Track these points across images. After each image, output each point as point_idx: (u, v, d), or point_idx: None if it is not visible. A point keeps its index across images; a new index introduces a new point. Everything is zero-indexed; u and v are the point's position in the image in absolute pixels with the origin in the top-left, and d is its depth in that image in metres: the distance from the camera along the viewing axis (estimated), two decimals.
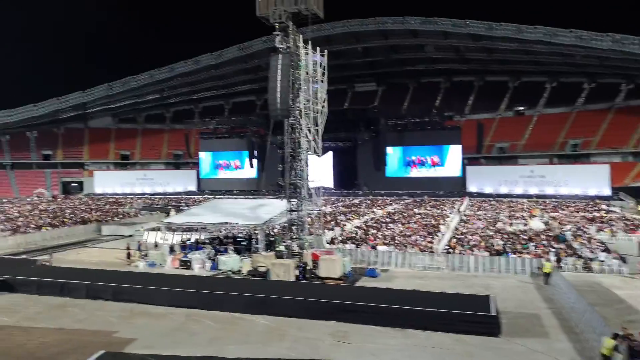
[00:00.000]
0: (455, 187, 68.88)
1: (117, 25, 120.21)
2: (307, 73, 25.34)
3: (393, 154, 73.02)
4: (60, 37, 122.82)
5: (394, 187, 70.48)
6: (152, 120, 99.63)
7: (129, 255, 27.70)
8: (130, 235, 35.88)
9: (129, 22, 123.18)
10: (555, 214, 42.63)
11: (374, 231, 32.40)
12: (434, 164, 71.77)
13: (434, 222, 37.03)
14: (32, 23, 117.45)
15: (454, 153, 70.54)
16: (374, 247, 27.12)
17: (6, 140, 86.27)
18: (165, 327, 16.86)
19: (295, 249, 24.00)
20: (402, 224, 35.82)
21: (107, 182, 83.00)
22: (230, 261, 24.49)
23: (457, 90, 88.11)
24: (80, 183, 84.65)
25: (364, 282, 22.28)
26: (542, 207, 48.39)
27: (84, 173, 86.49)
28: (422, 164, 72.31)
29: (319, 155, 26.20)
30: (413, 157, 72.65)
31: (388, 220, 38.92)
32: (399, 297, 17.94)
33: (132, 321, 17.52)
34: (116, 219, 45.93)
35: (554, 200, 57.10)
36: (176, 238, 30.64)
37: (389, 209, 48.87)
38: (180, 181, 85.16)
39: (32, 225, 39.25)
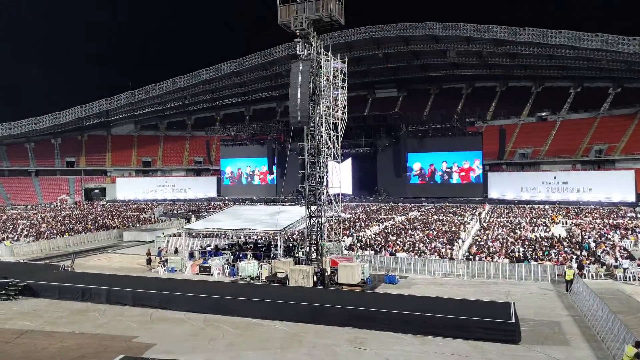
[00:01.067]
0: (476, 194, 68.01)
1: (141, 33, 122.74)
2: (327, 80, 25.34)
3: (413, 160, 72.53)
4: (83, 46, 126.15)
5: (414, 193, 69.98)
6: (174, 127, 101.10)
7: (149, 261, 27.99)
8: (151, 241, 36.30)
9: (152, 31, 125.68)
10: (578, 220, 41.64)
11: (394, 238, 32.12)
12: (455, 170, 71.01)
13: (454, 228, 36.54)
14: (56, 32, 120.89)
15: (476, 159, 69.70)
16: (393, 254, 26.86)
17: (31, 148, 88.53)
18: (184, 332, 16.93)
19: (314, 255, 23.91)
20: (422, 231, 35.44)
21: (129, 188, 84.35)
22: (249, 267, 24.52)
23: (479, 95, 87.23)
24: (103, 189, 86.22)
25: (383, 289, 22.05)
26: (564, 213, 47.33)
27: (106, 179, 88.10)
28: (442, 170, 71.64)
29: (338, 162, 26.14)
30: (434, 164, 72.03)
31: (408, 226, 38.56)
32: (418, 304, 17.70)
33: (151, 326, 17.64)
34: (137, 225, 46.58)
35: (576, 206, 55.84)
36: (196, 244, 30.85)
37: (409, 215, 48.44)
38: (201, 187, 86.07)
39: (55, 231, 40.04)
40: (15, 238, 35.67)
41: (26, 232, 38.54)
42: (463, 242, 31.20)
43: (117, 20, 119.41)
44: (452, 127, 70.23)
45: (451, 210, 53.35)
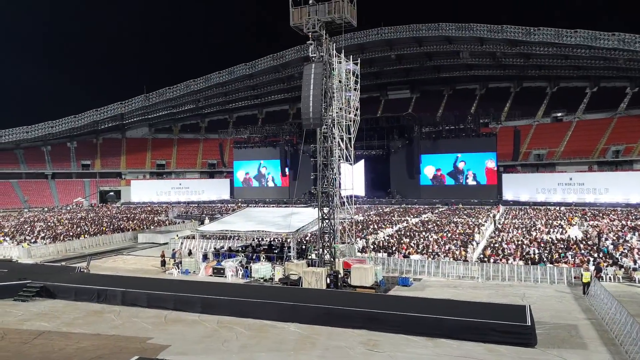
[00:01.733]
0: (490, 195, 67.41)
1: (155, 36, 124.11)
2: (339, 81, 25.35)
3: (427, 161, 72.16)
4: (96, 49, 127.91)
5: (428, 195, 69.59)
6: (188, 130, 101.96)
7: (163, 263, 28.22)
8: (166, 243, 36.60)
9: (165, 33, 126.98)
10: (595, 222, 41.00)
11: (407, 240, 31.96)
12: (469, 172, 70.47)
13: (468, 230, 36.23)
14: (70, 36, 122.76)
15: (490, 161, 69.09)
16: (406, 256, 26.72)
17: (47, 151, 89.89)
18: (198, 334, 17.03)
19: (327, 257, 23.90)
20: (436, 233, 35.21)
21: (143, 190, 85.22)
22: (263, 269, 24.59)
23: (493, 96, 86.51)
24: (118, 192, 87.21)
25: (396, 291, 21.93)
26: (581, 215, 46.66)
27: (121, 182, 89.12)
28: (456, 171, 71.14)
29: (351, 164, 26.11)
30: (447, 165, 71.57)
31: (421, 228, 38.34)
32: (431, 306, 17.57)
33: (166, 328, 17.77)
34: (152, 227, 47.01)
35: (593, 208, 55.00)
36: (210, 246, 31.03)
37: (423, 217, 48.17)
38: (214, 190, 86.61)
39: (71, 233, 40.59)
40: (32, 240, 36.23)
41: (43, 234, 39.13)
42: (477, 244, 30.92)
43: (131, 23, 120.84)
44: (466, 128, 69.75)
45: (465, 212, 52.95)
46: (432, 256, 26.66)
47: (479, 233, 35.05)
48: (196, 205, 74.91)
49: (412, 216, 49.16)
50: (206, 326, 17.88)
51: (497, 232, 35.94)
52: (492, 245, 29.67)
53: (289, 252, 26.38)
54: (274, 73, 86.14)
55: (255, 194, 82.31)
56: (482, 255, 26.62)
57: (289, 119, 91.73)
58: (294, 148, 77.66)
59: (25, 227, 44.29)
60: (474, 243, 30.66)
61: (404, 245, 29.76)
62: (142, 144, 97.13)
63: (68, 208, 73.07)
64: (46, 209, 71.34)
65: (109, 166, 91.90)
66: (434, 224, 41.13)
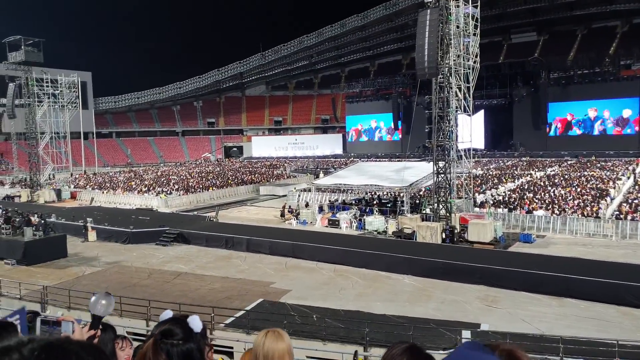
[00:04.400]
0: (629, 146, 59.60)
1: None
2: (457, 27, 23.67)
3: (555, 110, 65.63)
4: (215, 12, 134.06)
5: (555, 147, 63.65)
6: (302, 87, 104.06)
7: (283, 214, 29.75)
8: (284, 195, 38.43)
9: None
10: None
11: (530, 195, 29.78)
12: (604, 121, 62.80)
13: (601, 185, 32.62)
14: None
15: (631, 107, 60.68)
16: (529, 212, 24.97)
17: (177, 110, 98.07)
18: (315, 280, 17.86)
19: (443, 212, 23.25)
20: (563, 187, 32.28)
21: (262, 146, 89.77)
22: (376, 222, 24.76)
23: (637, 34, 74.83)
24: (240, 147, 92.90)
25: (517, 248, 20.75)
26: None
27: (242, 138, 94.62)
28: (590, 120, 63.82)
29: (469, 115, 24.68)
30: (578, 114, 64.44)
31: (547, 183, 35.42)
32: (557, 264, 16.37)
33: (286, 274, 18.90)
34: (271, 180, 49.63)
35: None
36: (325, 198, 31.92)
37: (549, 171, 44.40)
38: (327, 144, 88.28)
39: (201, 186, 44.35)
40: (168, 192, 40.31)
41: (177, 187, 43.30)
42: (612, 199, 27.78)
43: None
44: (603, 71, 61.51)
45: (599, 165, 47.68)
46: (558, 212, 24.59)
47: (614, 188, 31.40)
48: (311, 159, 77.21)
49: (536, 170, 45.57)
50: (323, 274, 18.67)
51: (637, 187, 31.90)
52: (630, 201, 26.44)
53: (402, 206, 26.13)
54: (386, 22, 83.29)
55: (367, 148, 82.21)
56: (617, 212, 23.92)
57: (402, 70, 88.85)
58: (408, 100, 75.32)
59: (162, 179, 49.35)
60: (608, 199, 27.58)
61: (526, 200, 27.79)
62: (260, 101, 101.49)
63: (197, 162, 79.81)
64: (178, 163, 78.71)
65: (231, 123, 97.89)
66: (561, 178, 37.71)
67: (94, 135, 67.77)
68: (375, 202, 29.22)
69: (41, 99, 46.33)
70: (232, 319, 13.68)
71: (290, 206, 30.80)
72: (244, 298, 15.75)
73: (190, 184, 45.13)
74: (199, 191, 41.43)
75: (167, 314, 1.75)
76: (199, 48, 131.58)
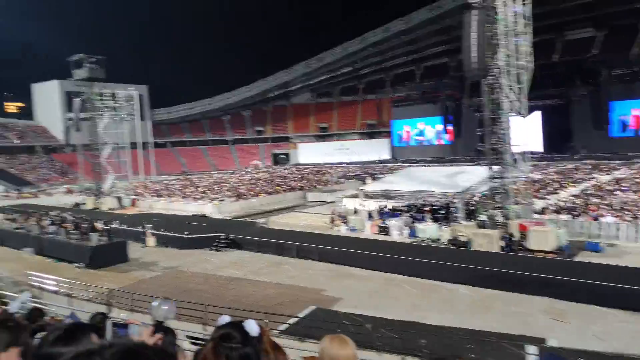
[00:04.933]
0: None
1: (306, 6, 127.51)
2: (506, 26, 22.81)
3: (619, 109, 62.04)
4: (256, 24, 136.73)
5: (621, 148, 60.07)
6: (346, 93, 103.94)
7: (332, 220, 29.60)
8: (332, 202, 38.30)
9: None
10: None
11: (596, 200, 28.14)
12: None
13: None
14: (236, 12, 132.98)
15: None
16: (596, 218, 23.56)
17: (227, 120, 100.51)
18: (367, 289, 17.56)
19: (499, 219, 22.35)
20: (635, 192, 30.30)
21: (309, 153, 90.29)
22: (429, 229, 24.14)
23: None
24: (287, 154, 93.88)
25: (584, 257, 19.55)
26: None
27: (289, 145, 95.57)
28: None
29: (523, 116, 23.67)
30: None
31: (615, 187, 33.39)
32: (633, 276, 15.24)
33: (337, 281, 18.71)
34: (319, 186, 49.71)
35: None
36: (373, 205, 31.53)
37: (616, 174, 41.87)
38: (374, 150, 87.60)
39: (251, 192, 45.00)
40: (220, 198, 41.14)
41: (229, 193, 44.16)
42: None
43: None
44: None
45: None
46: (630, 219, 23.03)
47: None
48: (358, 165, 76.85)
49: (602, 173, 43.11)
50: (374, 282, 18.35)
51: None
52: None
53: (456, 213, 25.36)
54: (430, 25, 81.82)
55: (415, 153, 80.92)
56: None
57: (449, 72, 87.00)
58: (456, 103, 73.65)
59: (215, 187, 50.50)
60: None
61: (592, 206, 26.26)
62: (306, 108, 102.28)
63: (247, 170, 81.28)
64: (229, 171, 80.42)
65: (279, 131, 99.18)
66: (631, 182, 35.45)
67: (151, 145, 70.49)
68: (427, 209, 28.55)
69: (102, 112, 48.65)
70: (285, 325, 13.64)
71: (338, 212, 30.63)
72: (296, 305, 15.69)
73: (241, 190, 45.89)
74: (250, 198, 42.05)
75: (225, 318, 1.83)
76: (246, 58, 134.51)
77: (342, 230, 27.66)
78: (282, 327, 13.54)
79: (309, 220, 32.70)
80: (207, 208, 38.04)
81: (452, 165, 41.66)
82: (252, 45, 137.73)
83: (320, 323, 13.54)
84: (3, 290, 16.53)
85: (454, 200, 26.37)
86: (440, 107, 77.05)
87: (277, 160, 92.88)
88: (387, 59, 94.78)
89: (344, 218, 28.91)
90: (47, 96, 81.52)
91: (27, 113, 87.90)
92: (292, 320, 13.91)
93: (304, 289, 17.80)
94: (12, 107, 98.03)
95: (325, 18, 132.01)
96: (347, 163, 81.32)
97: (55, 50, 71.87)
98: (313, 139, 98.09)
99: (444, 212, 26.85)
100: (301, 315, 14.42)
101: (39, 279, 19.18)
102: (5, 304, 6.97)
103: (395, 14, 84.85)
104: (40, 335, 1.92)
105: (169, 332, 2.69)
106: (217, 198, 40.83)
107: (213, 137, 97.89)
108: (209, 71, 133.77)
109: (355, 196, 34.20)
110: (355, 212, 30.21)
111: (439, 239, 23.54)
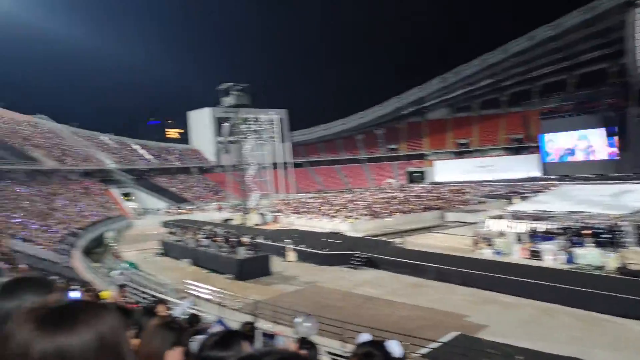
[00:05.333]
0: None
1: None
2: None
3: None
4: (389, 41, 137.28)
5: None
6: (487, 106, 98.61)
7: (475, 242, 27.89)
8: (474, 223, 36.18)
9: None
10: None
11: None
12: None
13: None
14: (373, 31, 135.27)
15: None
16: None
17: (361, 139, 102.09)
18: (516, 317, 16.08)
19: None
20: None
21: (446, 170, 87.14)
22: (590, 255, 21.34)
23: None
24: (422, 172, 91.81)
25: None
26: None
27: (424, 163, 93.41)
28: None
29: None
30: None
31: None
32: None
33: (481, 307, 17.44)
34: (458, 206, 47.46)
35: None
36: (521, 227, 29.02)
37: None
38: (521, 167, 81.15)
39: (386, 211, 44.66)
40: (355, 216, 41.57)
41: (363, 212, 44.44)
42: None
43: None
44: None
45: None
46: None
47: None
48: (502, 183, 71.94)
49: None
50: (524, 310, 16.74)
51: None
52: None
53: (624, 237, 22.05)
54: (584, 28, 74.03)
55: (570, 169, 73.01)
56: None
57: (608, 79, 77.54)
58: (620, 112, 64.96)
59: (349, 205, 51.26)
60: None
61: None
62: (442, 124, 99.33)
63: (381, 189, 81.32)
64: (363, 189, 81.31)
65: (413, 148, 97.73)
66: None
67: (291, 165, 74.69)
68: (587, 232, 25.31)
69: (247, 136, 52.99)
70: (427, 349, 13.00)
71: (482, 234, 28.75)
72: (437, 329, 14.90)
73: (375, 209, 45.91)
74: (384, 216, 41.78)
75: (364, 336, 1.84)
76: (377, 78, 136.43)
77: (486, 254, 25.85)
78: (423, 351, 12.92)
79: (448, 241, 31.27)
80: (343, 225, 38.66)
81: (616, 183, 36.54)
82: (383, 64, 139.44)
83: (464, 350, 12.63)
84: (166, 295, 18.59)
85: (622, 223, 22.97)
86: (600, 118, 68.70)
87: (412, 178, 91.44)
88: (533, 68, 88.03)
89: (488, 240, 27.05)
90: (201, 122, 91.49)
91: (184, 138, 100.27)
92: (433, 345, 13.21)
93: (445, 314, 16.90)
94: (172, 133, 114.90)
95: (461, 31, 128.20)
96: (490, 181, 76.65)
97: (208, 81, 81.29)
98: (451, 155, 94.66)
99: (608, 236, 23.52)
100: (443, 340, 13.64)
101: (194, 288, 21.19)
102: (170, 308, 7.75)
103: (537, 21, 79.04)
104: (196, 338, 2.18)
105: (313, 348, 2.79)
106: (352, 216, 41.33)
107: (346, 156, 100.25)
108: (343, 93, 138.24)
109: (500, 217, 31.85)
110: (502, 234, 28.09)
111: (602, 266, 20.65)
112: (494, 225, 30.45)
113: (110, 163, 68.28)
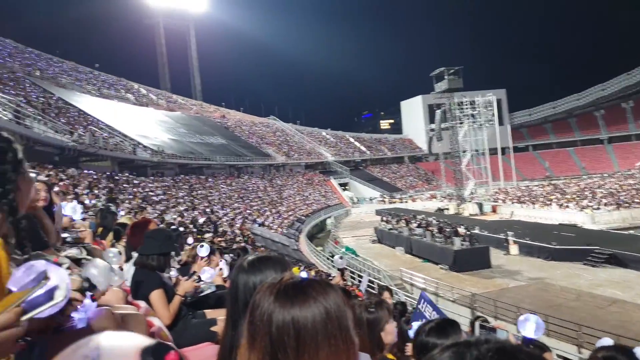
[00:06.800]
0: None
1: None
2: None
3: None
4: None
5: None
6: None
7: None
8: None
9: None
10: None
11: None
12: None
13: None
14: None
15: None
16: None
17: (601, 115, 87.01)
18: None
19: None
20: None
21: None
22: None
23: None
24: None
25: None
26: None
27: None
28: None
29: None
30: None
31: None
32: None
33: None
34: None
35: None
36: None
37: None
38: None
39: (637, 200, 37.21)
40: (594, 207, 35.84)
41: (605, 201, 37.95)
42: None
43: None
44: None
45: None
46: None
47: None
48: None
49: None
50: None
51: None
52: None
53: None
54: None
55: None
56: None
57: None
58: None
59: (585, 193, 44.55)
60: None
61: None
62: None
63: (630, 173, 68.35)
64: (605, 174, 69.63)
65: None
66: None
67: (511, 150, 68.92)
68: None
69: (461, 121, 50.75)
70: None
71: None
72: None
73: (622, 197, 38.82)
74: (635, 207, 34.96)
75: (606, 340, 1.82)
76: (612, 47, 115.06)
77: None
78: None
79: None
80: (577, 217, 33.89)
81: None
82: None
83: None
84: (381, 281, 18.98)
85: None
86: None
87: None
88: None
89: None
90: (412, 111, 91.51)
91: (396, 128, 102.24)
92: None
93: None
94: (385, 124, 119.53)
95: None
96: None
97: (420, 70, 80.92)
98: None
99: None
100: None
101: (409, 276, 21.15)
102: (391, 292, 7.79)
103: None
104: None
105: (541, 350, 2.69)
106: (590, 206, 35.81)
107: (582, 137, 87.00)
108: (572, 67, 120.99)
109: None
110: None
111: None
112: None
113: (329, 156, 74.19)
